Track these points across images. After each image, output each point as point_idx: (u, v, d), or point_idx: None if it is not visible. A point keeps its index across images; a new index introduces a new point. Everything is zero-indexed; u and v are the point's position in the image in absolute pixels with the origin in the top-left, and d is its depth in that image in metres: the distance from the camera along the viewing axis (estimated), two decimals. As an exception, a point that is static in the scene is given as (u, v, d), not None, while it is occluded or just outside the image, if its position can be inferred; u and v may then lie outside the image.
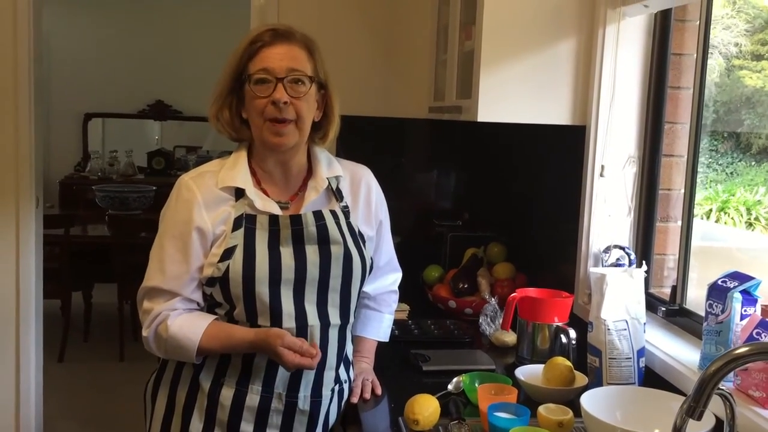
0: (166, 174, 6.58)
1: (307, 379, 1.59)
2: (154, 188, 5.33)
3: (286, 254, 1.55)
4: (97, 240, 4.88)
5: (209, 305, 1.60)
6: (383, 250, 1.80)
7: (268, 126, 1.54)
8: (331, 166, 1.66)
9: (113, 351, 4.64)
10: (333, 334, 1.61)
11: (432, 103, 2.87)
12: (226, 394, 1.57)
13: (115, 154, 6.70)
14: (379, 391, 1.74)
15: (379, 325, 1.85)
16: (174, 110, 7.06)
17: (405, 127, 2.92)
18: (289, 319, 1.55)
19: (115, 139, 7.04)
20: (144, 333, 1.57)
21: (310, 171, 1.65)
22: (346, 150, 2.87)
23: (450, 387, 1.75)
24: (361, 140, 2.88)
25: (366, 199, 1.71)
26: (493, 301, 2.30)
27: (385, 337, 1.87)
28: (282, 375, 1.57)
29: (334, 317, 1.61)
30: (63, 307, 4.61)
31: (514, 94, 2.14)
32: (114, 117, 7.06)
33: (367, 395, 1.71)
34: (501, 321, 2.12)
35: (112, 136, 7.12)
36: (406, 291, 2.63)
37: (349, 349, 1.71)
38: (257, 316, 1.55)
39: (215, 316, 1.57)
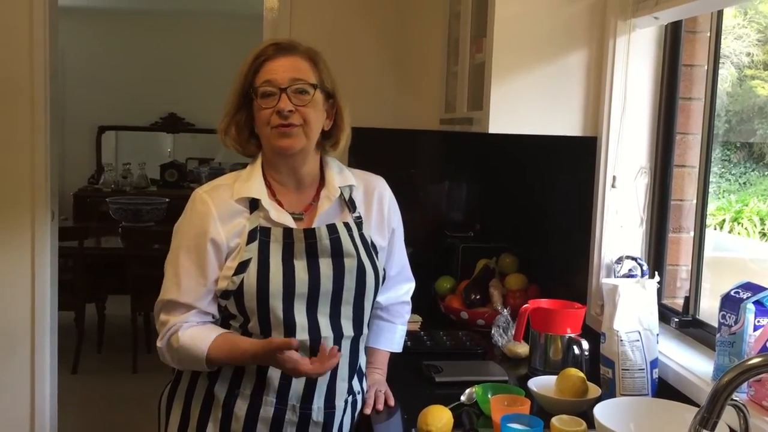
0: (178, 186, 6.63)
1: (320, 390, 1.60)
2: (166, 200, 5.36)
3: (300, 268, 1.56)
4: (111, 252, 4.92)
5: (224, 317, 1.61)
6: (395, 258, 1.80)
7: (274, 132, 1.56)
8: (342, 175, 1.67)
9: (126, 362, 4.65)
10: (345, 346, 1.62)
11: (443, 114, 2.88)
12: (241, 406, 1.58)
13: (128, 166, 6.76)
14: (392, 402, 1.74)
15: (392, 336, 1.85)
16: (186, 123, 7.12)
17: (416, 139, 2.93)
18: (302, 332, 1.56)
19: (129, 151, 7.10)
20: (158, 344, 1.59)
21: (323, 181, 1.66)
22: (357, 162, 2.88)
23: (463, 398, 1.75)
24: (372, 152, 2.89)
25: (379, 209, 1.71)
26: (506, 312, 2.30)
27: (398, 348, 1.87)
28: (296, 387, 1.58)
29: (348, 329, 1.62)
30: (77, 319, 4.64)
31: (526, 105, 2.15)
32: (127, 130, 7.13)
33: (380, 406, 1.71)
34: (513, 332, 2.12)
35: (125, 148, 7.19)
36: (418, 302, 2.63)
37: (362, 360, 1.72)
38: (271, 329, 1.56)
39: (225, 330, 1.58)
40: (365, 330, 1.68)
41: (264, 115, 1.56)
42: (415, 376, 1.96)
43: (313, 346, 1.56)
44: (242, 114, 1.60)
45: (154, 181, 6.82)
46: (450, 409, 1.59)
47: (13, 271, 3.07)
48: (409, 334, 2.26)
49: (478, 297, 2.50)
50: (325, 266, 1.58)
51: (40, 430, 3.14)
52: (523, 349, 2.12)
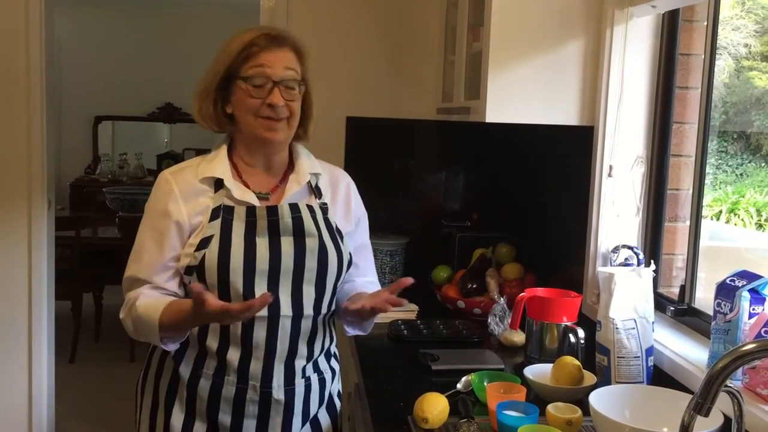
0: (175, 176, 6.61)
1: (279, 369, 1.63)
2: (163, 190, 5.35)
3: (262, 245, 1.59)
4: (108, 242, 4.92)
5: (186, 296, 1.64)
6: (363, 258, 1.80)
7: (261, 122, 1.60)
8: (311, 163, 1.72)
9: (124, 352, 4.66)
10: (305, 325, 1.64)
11: (440, 104, 2.88)
12: (204, 386, 1.62)
13: (125, 156, 6.74)
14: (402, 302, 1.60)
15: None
16: (183, 113, 7.09)
17: (414, 129, 2.93)
18: (262, 309, 1.57)
19: (125, 141, 7.08)
20: (121, 315, 1.63)
21: (291, 166, 1.71)
22: (355, 151, 2.89)
23: (459, 386, 1.75)
24: (370, 141, 2.90)
25: (345, 199, 1.76)
26: (502, 301, 2.30)
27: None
28: (254, 367, 1.61)
29: (308, 308, 1.64)
30: (74, 309, 4.64)
31: (522, 94, 2.15)
32: (124, 120, 7.10)
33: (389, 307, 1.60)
34: (510, 321, 2.12)
35: (122, 138, 7.17)
36: (414, 291, 2.63)
37: (327, 340, 1.73)
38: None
39: (174, 298, 1.60)
40: (324, 311, 1.68)
41: (252, 104, 1.59)
42: (411, 364, 1.97)
43: (271, 323, 1.60)
44: (217, 95, 1.63)
45: (151, 172, 6.81)
46: (446, 396, 1.60)
47: (9, 261, 3.07)
48: (406, 322, 2.27)
49: (474, 286, 2.50)
50: (287, 245, 1.61)
51: (37, 419, 3.15)
52: (519, 337, 2.13)
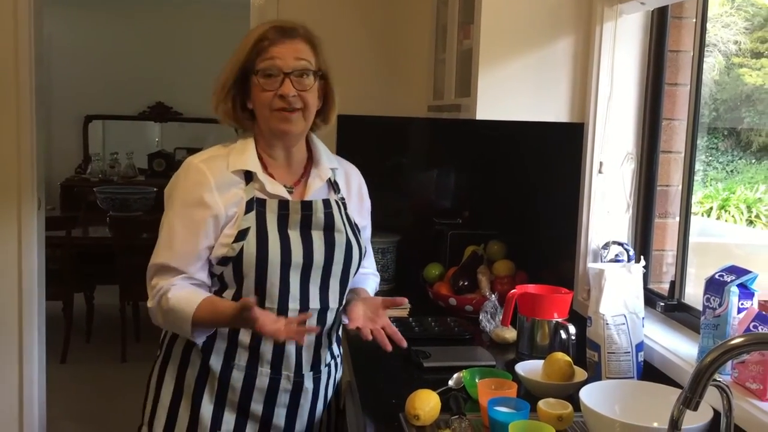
0: (166, 176, 6.52)
1: (308, 358, 1.68)
2: (154, 190, 5.34)
3: (295, 239, 1.62)
4: (99, 242, 4.90)
5: (217, 288, 1.65)
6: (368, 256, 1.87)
7: (276, 114, 1.61)
8: (329, 158, 1.75)
9: (115, 352, 4.65)
10: (330, 317, 1.70)
11: (431, 101, 2.88)
12: (237, 377, 1.64)
13: (115, 156, 6.71)
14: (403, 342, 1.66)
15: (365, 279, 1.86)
16: (174, 112, 7.07)
17: (405, 126, 2.93)
18: (293, 302, 1.63)
19: (116, 141, 7.05)
20: (149, 304, 1.63)
21: (309, 158, 1.73)
22: (346, 149, 2.88)
23: (450, 383, 1.76)
24: (361, 139, 2.90)
25: (358, 194, 1.80)
26: (493, 298, 2.31)
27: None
28: (288, 358, 1.65)
29: (333, 302, 1.69)
30: (65, 309, 4.62)
31: (513, 92, 2.16)
32: (114, 119, 7.07)
33: (389, 347, 1.62)
34: (501, 318, 2.13)
35: (112, 138, 7.14)
36: (406, 289, 2.64)
37: (339, 327, 1.78)
38: (265, 297, 1.61)
39: (210, 294, 1.61)
40: (343, 302, 1.74)
41: (266, 97, 1.61)
42: (403, 361, 1.97)
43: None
44: (236, 89, 1.64)
45: (142, 171, 6.79)
46: (438, 393, 1.60)
47: (-1, 261, 3.05)
48: (398, 320, 2.27)
49: (466, 283, 2.51)
50: (318, 239, 1.64)
51: (28, 420, 3.14)
52: (510, 334, 2.13)
